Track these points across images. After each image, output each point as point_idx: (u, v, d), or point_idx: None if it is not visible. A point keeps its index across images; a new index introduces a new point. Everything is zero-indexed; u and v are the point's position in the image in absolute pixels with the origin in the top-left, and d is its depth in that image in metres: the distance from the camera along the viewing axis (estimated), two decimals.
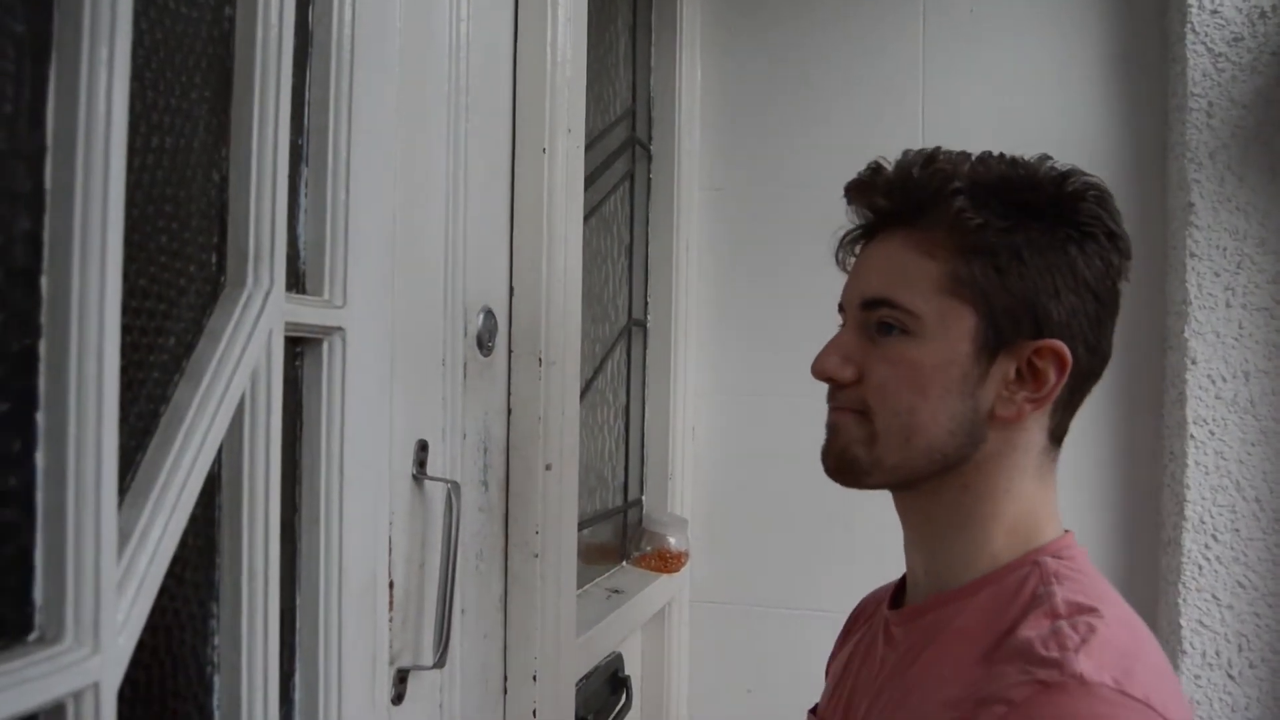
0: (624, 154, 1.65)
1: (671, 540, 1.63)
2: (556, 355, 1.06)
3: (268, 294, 0.67)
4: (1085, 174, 0.84)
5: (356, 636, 0.76)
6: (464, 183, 0.94)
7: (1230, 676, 1.48)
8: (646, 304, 1.74)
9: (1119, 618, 0.75)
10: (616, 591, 1.49)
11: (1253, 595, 1.48)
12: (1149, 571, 1.59)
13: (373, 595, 0.78)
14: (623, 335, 1.66)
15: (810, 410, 1.73)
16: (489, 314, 0.93)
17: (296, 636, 0.73)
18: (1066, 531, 0.86)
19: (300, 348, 0.74)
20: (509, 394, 1.05)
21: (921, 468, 0.84)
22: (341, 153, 0.75)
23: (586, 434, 1.45)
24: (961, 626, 0.80)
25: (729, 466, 1.78)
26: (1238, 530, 1.48)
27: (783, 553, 1.74)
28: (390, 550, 0.79)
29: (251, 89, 0.66)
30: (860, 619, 1.03)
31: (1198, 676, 1.48)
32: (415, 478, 0.84)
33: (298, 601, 0.73)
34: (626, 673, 1.48)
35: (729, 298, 1.79)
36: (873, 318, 0.85)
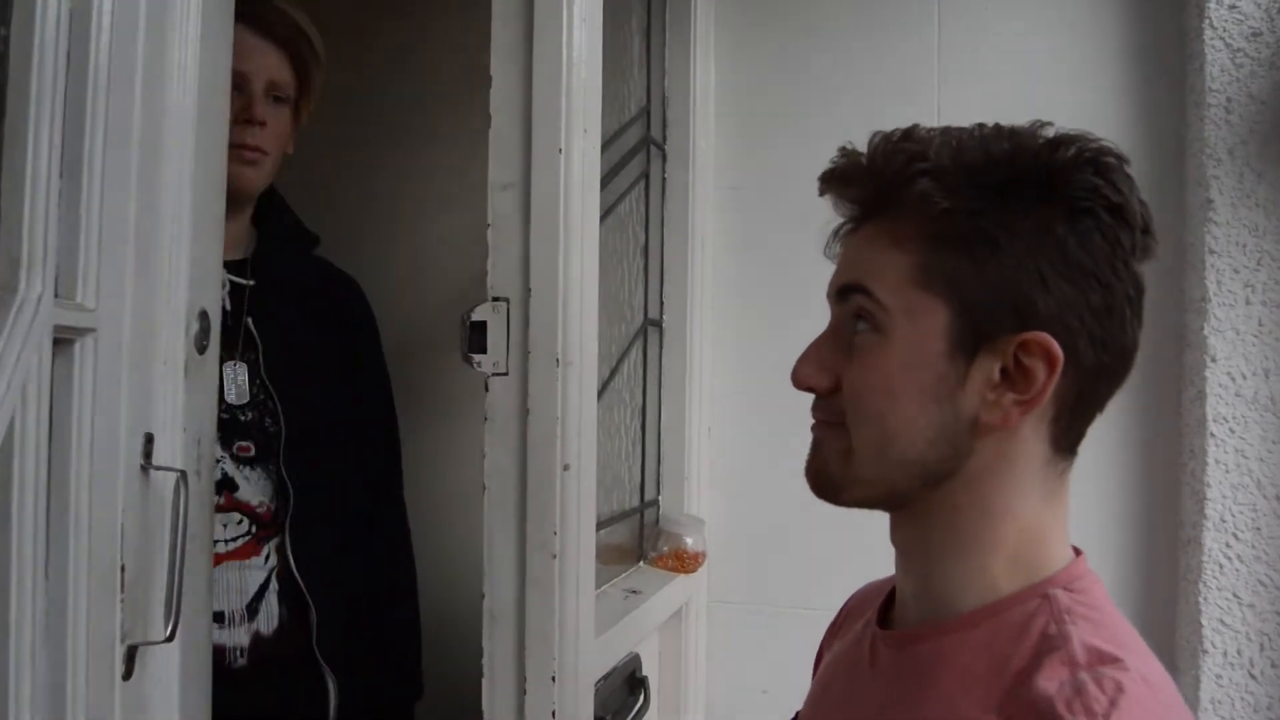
0: (639, 154, 1.65)
1: (688, 540, 1.63)
2: (573, 356, 1.06)
3: (39, 299, 0.68)
4: (1087, 138, 0.74)
5: (97, 618, 0.78)
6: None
7: (1252, 675, 1.47)
8: (662, 304, 1.74)
9: (1143, 671, 0.66)
10: (634, 592, 1.49)
11: (1274, 594, 1.47)
12: (1169, 570, 1.58)
13: (111, 579, 0.80)
14: (639, 335, 1.66)
15: None
16: (204, 315, 0.94)
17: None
18: (1078, 554, 0.77)
19: (56, 349, 0.76)
20: (526, 395, 1.05)
21: (901, 483, 0.75)
22: (96, 164, 0.77)
23: (603, 434, 1.45)
24: (963, 667, 0.71)
25: (746, 466, 1.78)
26: (1259, 529, 1.48)
27: (800, 553, 1.73)
28: (123, 536, 0.81)
29: (27, 105, 0.68)
30: (852, 616, 0.93)
31: (1219, 675, 1.47)
32: (143, 468, 0.86)
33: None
34: (644, 673, 1.48)
35: (745, 297, 1.79)
36: (848, 309, 0.77)
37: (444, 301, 1.92)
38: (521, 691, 1.06)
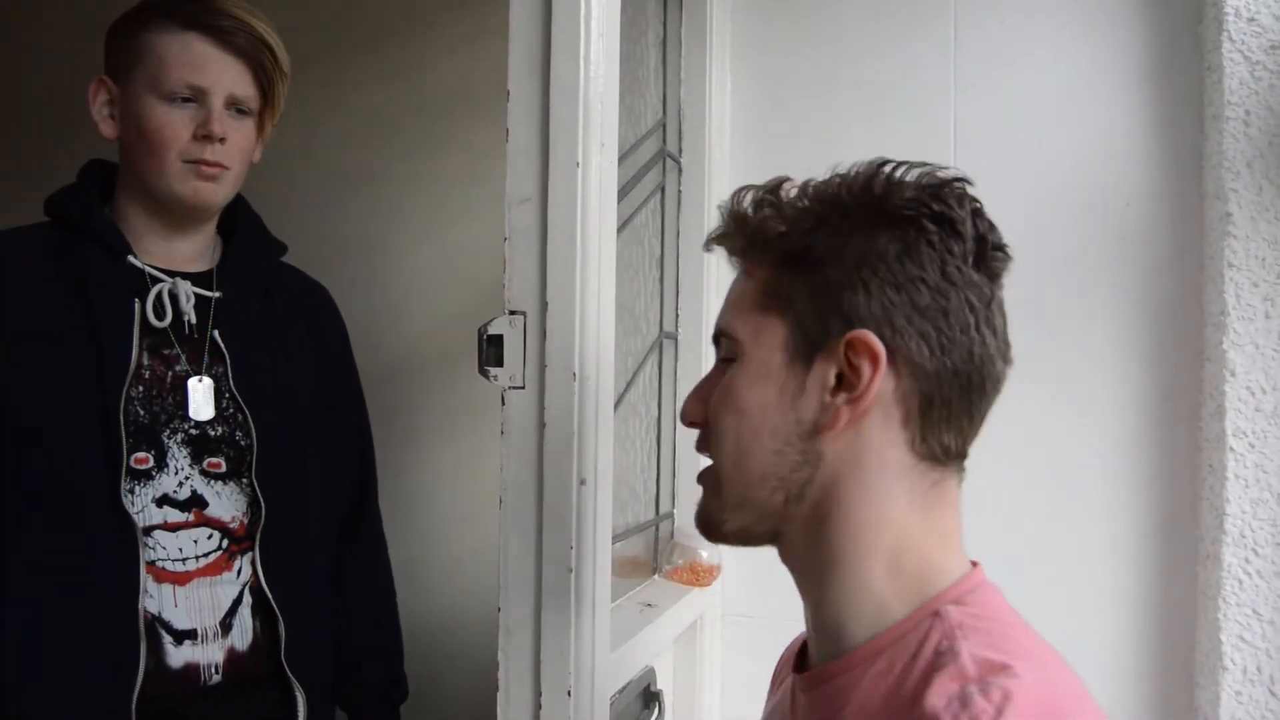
0: (655, 166, 1.65)
1: (704, 554, 1.62)
2: (590, 370, 1.06)
3: None
4: (926, 165, 0.79)
5: None
6: None
7: (1272, 693, 1.46)
8: (678, 316, 1.73)
9: (1038, 675, 0.66)
10: (649, 605, 1.49)
11: None
12: (1188, 585, 1.57)
13: None
14: (654, 348, 1.65)
15: None
16: None
17: None
18: (974, 565, 0.79)
19: None
20: (543, 409, 1.05)
21: (765, 501, 0.78)
22: None
23: (618, 447, 1.45)
24: (864, 699, 0.72)
25: None
26: (1279, 544, 1.46)
27: None
28: None
29: None
30: (785, 664, 0.95)
31: (1239, 693, 1.46)
32: None
33: None
34: (659, 687, 1.47)
35: None
36: (719, 354, 0.84)
37: (458, 313, 1.92)
38: (537, 706, 1.05)
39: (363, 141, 1.99)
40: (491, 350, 1.08)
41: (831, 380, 0.76)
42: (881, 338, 0.74)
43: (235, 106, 1.38)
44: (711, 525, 0.84)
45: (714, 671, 1.75)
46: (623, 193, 1.42)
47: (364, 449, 1.61)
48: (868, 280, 0.75)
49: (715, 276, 1.75)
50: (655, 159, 1.65)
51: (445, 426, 1.90)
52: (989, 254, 0.78)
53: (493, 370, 1.08)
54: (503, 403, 1.07)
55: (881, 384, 0.74)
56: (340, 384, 1.57)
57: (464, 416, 1.90)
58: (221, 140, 1.35)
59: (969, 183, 0.80)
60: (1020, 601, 1.59)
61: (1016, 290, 1.59)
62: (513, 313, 1.07)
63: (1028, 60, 1.68)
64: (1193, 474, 1.57)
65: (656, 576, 1.65)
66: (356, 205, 1.98)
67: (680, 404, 1.72)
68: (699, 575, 1.62)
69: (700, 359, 1.73)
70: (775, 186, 0.84)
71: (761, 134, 1.80)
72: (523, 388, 1.06)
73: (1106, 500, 1.60)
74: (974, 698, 0.63)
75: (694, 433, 1.74)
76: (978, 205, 0.79)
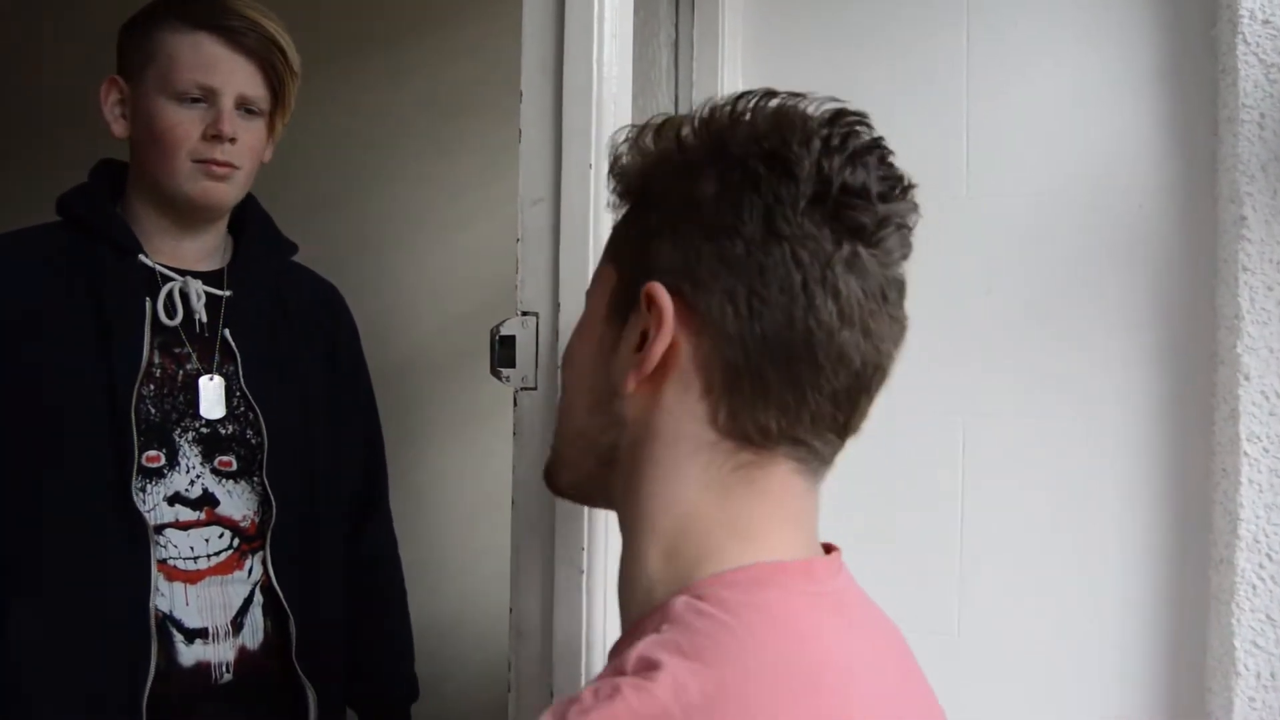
0: None
1: None
2: None
3: None
4: (818, 99, 0.68)
5: None
6: None
7: None
8: None
9: (682, 680, 0.56)
10: None
11: None
12: (1200, 591, 1.56)
13: None
14: None
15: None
16: None
17: None
18: (795, 562, 0.67)
19: None
20: (554, 410, 1.04)
21: (581, 461, 0.73)
22: None
23: None
24: None
25: None
26: None
27: None
28: None
29: None
30: None
31: (1253, 699, 1.45)
32: None
33: None
34: None
35: None
36: None
37: (469, 313, 1.93)
38: (550, 703, 1.05)
39: (375, 141, 1.99)
40: (504, 351, 1.08)
41: (637, 339, 0.68)
42: (680, 292, 0.66)
43: (245, 106, 1.39)
44: (548, 478, 0.81)
45: None
46: None
47: (374, 448, 1.61)
48: (678, 227, 0.67)
49: None
50: None
51: (456, 426, 1.90)
52: (840, 201, 0.65)
53: (505, 371, 1.08)
54: (515, 403, 1.07)
55: (673, 346, 0.66)
56: (350, 383, 1.58)
57: (474, 416, 1.90)
58: (231, 140, 1.36)
59: (861, 118, 0.70)
60: (1031, 605, 1.59)
61: (1026, 292, 1.61)
62: (525, 314, 1.07)
63: (1041, 64, 1.67)
64: (1206, 478, 1.56)
65: None
66: (368, 205, 1.98)
67: None
68: None
69: None
70: (648, 124, 0.74)
71: None
72: (535, 388, 1.06)
73: (1118, 505, 1.59)
74: (585, 693, 0.57)
75: None
76: (837, 143, 0.67)
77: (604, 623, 1.07)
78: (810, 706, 0.59)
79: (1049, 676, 1.60)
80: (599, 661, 1.07)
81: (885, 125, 1.69)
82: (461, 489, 1.85)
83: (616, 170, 0.75)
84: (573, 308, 1.05)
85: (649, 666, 0.58)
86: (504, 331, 1.08)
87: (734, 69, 1.79)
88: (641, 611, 0.67)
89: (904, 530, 1.67)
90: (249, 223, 1.50)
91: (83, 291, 1.34)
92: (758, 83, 1.77)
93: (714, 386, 0.66)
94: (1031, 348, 1.64)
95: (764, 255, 0.64)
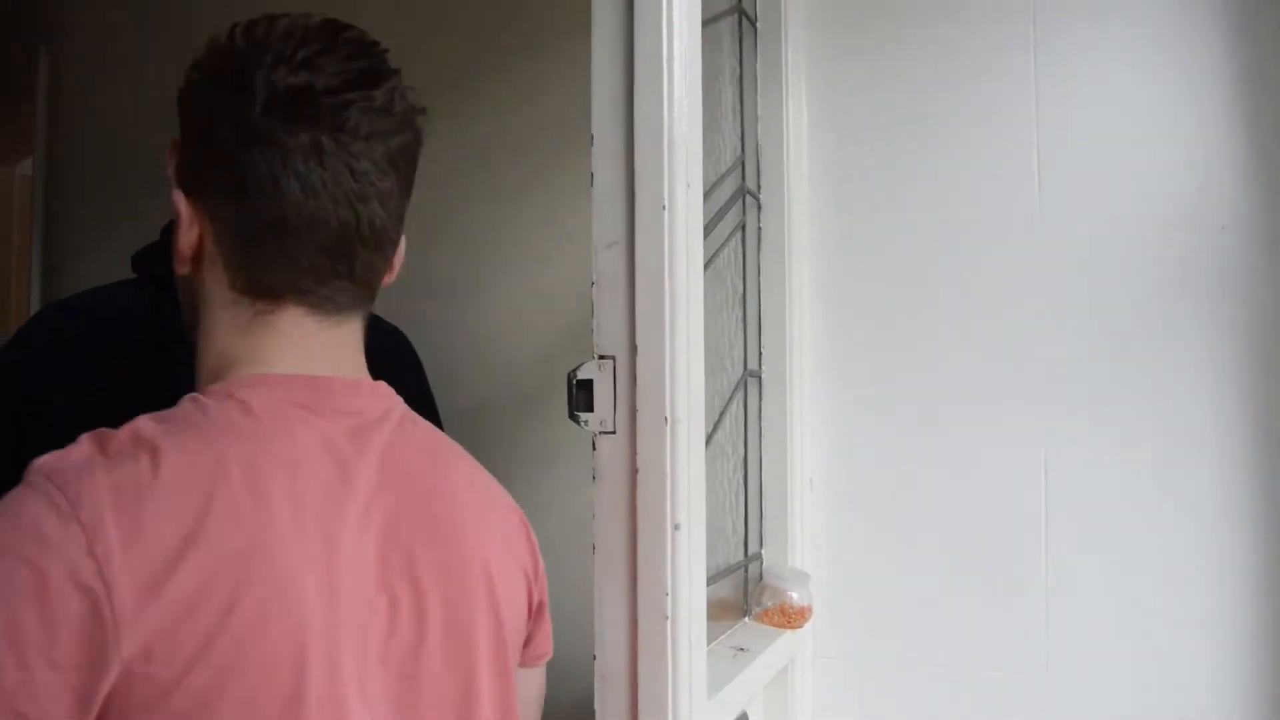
0: (735, 205, 1.64)
1: (794, 595, 1.60)
2: (682, 413, 1.04)
3: None
4: (272, 18, 0.84)
5: None
6: None
7: None
8: (760, 354, 1.72)
9: (142, 426, 0.75)
10: (742, 649, 1.46)
11: None
12: None
13: None
14: (739, 387, 1.64)
15: (932, 455, 1.70)
16: None
17: None
18: (291, 375, 0.84)
19: None
20: (634, 454, 1.04)
21: (189, 320, 0.91)
22: None
23: (707, 489, 1.44)
24: None
25: (849, 517, 1.74)
26: None
27: (908, 605, 1.69)
28: None
29: None
30: None
31: None
32: None
33: None
34: None
35: (842, 345, 1.77)
36: None
37: (538, 356, 1.93)
38: None
39: (443, 184, 2.01)
40: (581, 395, 1.07)
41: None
42: (191, 193, 0.85)
43: None
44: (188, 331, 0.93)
45: (806, 716, 1.72)
46: (705, 231, 1.41)
47: None
48: (186, 142, 0.87)
49: (798, 314, 1.74)
50: (735, 197, 1.64)
51: (525, 468, 1.90)
52: (287, 102, 0.81)
53: (583, 415, 1.07)
54: (593, 448, 1.06)
55: (201, 237, 0.85)
56: None
57: (542, 458, 1.90)
58: None
59: (338, 28, 0.85)
60: (1122, 637, 1.54)
61: (1102, 317, 1.57)
62: (602, 357, 1.06)
63: (1112, 84, 1.64)
64: None
65: (747, 619, 1.62)
66: (437, 247, 2.00)
67: (765, 442, 1.70)
68: (789, 617, 1.59)
69: (785, 397, 1.71)
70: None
71: (840, 167, 1.78)
72: (614, 432, 1.05)
73: (1212, 531, 1.55)
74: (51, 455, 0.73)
75: (780, 475, 1.72)
76: (287, 53, 0.82)
77: (689, 669, 1.05)
78: (210, 462, 0.75)
79: (1142, 711, 1.55)
80: (685, 705, 1.05)
81: (953, 146, 1.68)
82: (535, 532, 1.84)
83: None
84: (651, 351, 1.04)
85: (100, 436, 0.75)
86: (581, 375, 1.07)
87: (798, 103, 1.78)
88: None
89: (987, 565, 1.64)
90: None
91: (152, 342, 1.39)
92: (824, 115, 1.78)
93: (231, 260, 0.85)
94: (1111, 374, 1.60)
95: (238, 155, 0.82)
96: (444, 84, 2.01)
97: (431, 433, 0.98)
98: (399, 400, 0.95)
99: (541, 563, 1.03)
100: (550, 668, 1.83)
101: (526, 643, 1.01)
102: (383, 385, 0.94)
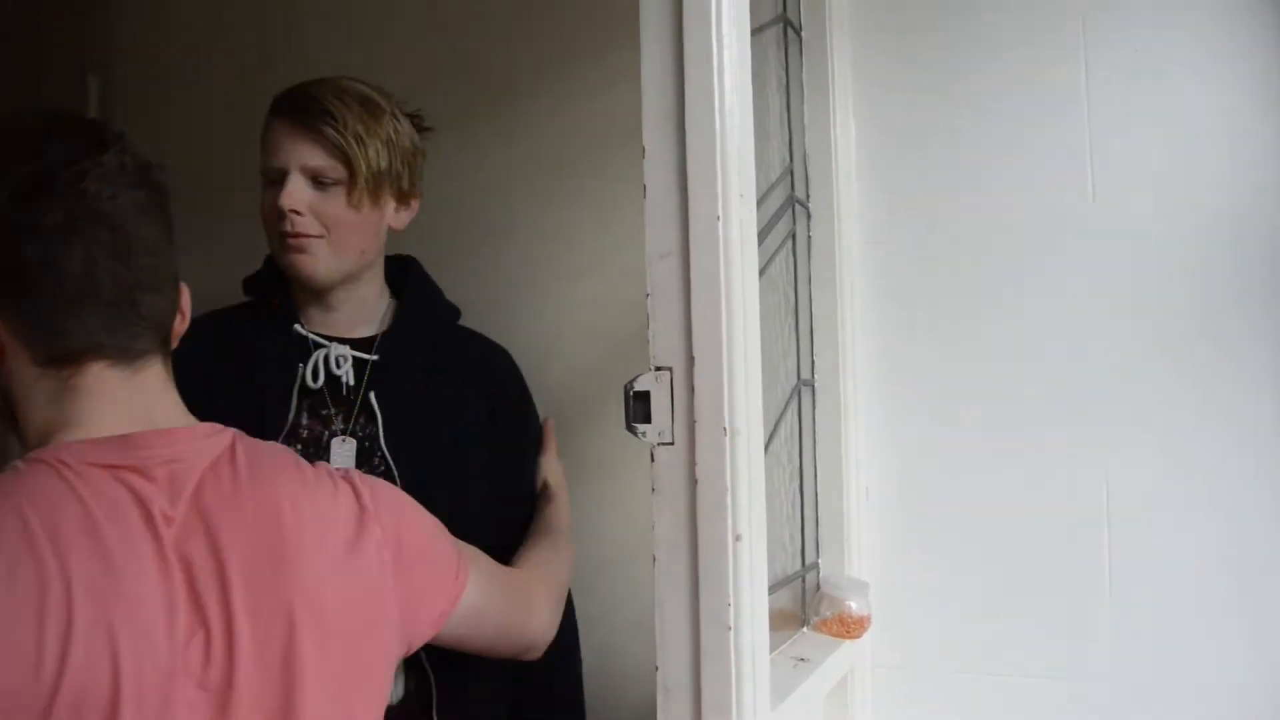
0: (785, 214, 1.63)
1: (852, 605, 1.58)
2: (740, 424, 1.04)
3: None
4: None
5: None
6: None
7: None
8: (813, 363, 1.71)
9: None
10: (802, 660, 1.45)
11: None
12: None
13: None
14: (793, 396, 1.63)
15: (989, 463, 1.68)
16: None
17: None
18: (96, 440, 0.92)
19: None
20: (694, 465, 1.03)
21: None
22: None
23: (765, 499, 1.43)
24: None
25: (906, 525, 1.73)
26: None
27: (967, 614, 1.67)
28: None
29: None
30: None
31: None
32: None
33: None
34: None
35: (896, 353, 1.75)
36: None
37: (592, 367, 1.93)
38: None
39: (492, 196, 2.02)
40: (638, 406, 1.07)
41: None
42: None
43: (316, 178, 1.43)
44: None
45: None
46: (758, 241, 1.41)
47: (529, 507, 1.63)
48: None
49: (850, 322, 1.73)
50: (785, 206, 1.64)
51: (581, 478, 1.90)
52: (31, 190, 0.91)
53: (640, 427, 1.07)
54: (652, 459, 1.06)
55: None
56: (515, 451, 1.61)
57: (599, 468, 1.90)
58: (296, 212, 1.41)
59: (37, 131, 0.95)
60: (1189, 647, 1.51)
61: (1164, 324, 1.55)
62: (659, 368, 1.06)
63: (1166, 81, 1.61)
64: None
65: (805, 629, 1.61)
66: (487, 260, 2.01)
67: (820, 452, 1.70)
68: (848, 627, 1.58)
69: (839, 406, 1.70)
70: None
71: (889, 175, 1.77)
72: (672, 443, 1.05)
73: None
74: None
75: (835, 483, 1.71)
76: (15, 145, 0.94)
77: (753, 680, 1.05)
78: (17, 524, 0.84)
79: None
80: (750, 717, 1.05)
81: (1003, 154, 1.67)
82: (591, 541, 1.84)
83: None
84: (709, 362, 1.04)
85: None
86: (638, 387, 1.07)
87: (845, 111, 1.78)
88: None
89: (1048, 573, 1.62)
90: (406, 289, 1.57)
91: (250, 360, 1.48)
92: (871, 123, 1.77)
93: (29, 341, 0.93)
94: (1170, 382, 1.58)
95: (4, 247, 0.92)
96: (499, 92, 2.03)
97: (260, 459, 1.03)
98: (226, 434, 1.02)
99: (399, 526, 1.09)
100: (610, 674, 1.83)
101: (419, 607, 1.10)
102: (204, 426, 1.01)
